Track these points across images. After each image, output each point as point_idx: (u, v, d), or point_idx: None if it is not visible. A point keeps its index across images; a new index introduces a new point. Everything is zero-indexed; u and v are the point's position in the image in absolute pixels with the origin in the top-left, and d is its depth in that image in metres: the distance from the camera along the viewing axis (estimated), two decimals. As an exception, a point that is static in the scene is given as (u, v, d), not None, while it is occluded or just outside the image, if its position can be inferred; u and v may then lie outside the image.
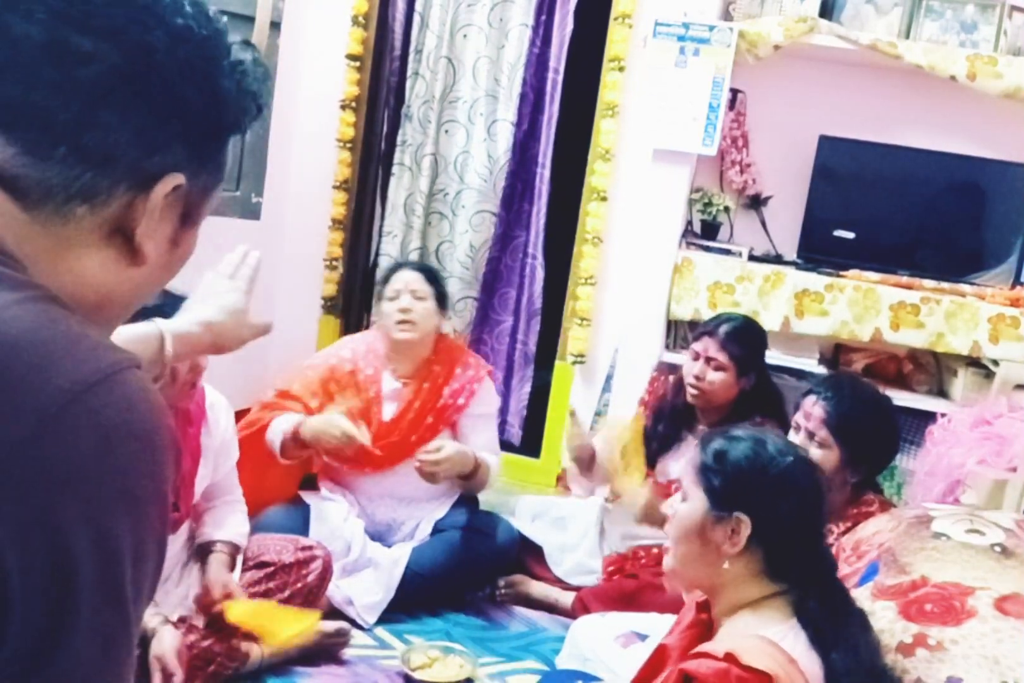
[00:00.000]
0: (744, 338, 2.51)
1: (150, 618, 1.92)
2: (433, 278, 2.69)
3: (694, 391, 2.52)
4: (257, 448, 2.53)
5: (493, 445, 2.73)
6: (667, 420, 2.64)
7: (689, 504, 1.42)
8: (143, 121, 0.68)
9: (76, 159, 0.67)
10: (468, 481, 2.64)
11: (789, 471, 1.39)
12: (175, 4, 0.69)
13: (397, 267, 2.72)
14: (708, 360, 2.48)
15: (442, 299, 2.68)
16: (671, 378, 2.73)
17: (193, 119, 0.71)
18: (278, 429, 2.54)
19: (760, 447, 1.41)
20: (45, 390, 0.60)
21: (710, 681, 1.25)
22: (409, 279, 2.62)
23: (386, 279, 2.68)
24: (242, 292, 1.28)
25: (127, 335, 1.15)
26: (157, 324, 1.20)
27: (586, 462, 2.65)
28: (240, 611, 2.00)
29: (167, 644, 1.89)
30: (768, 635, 1.30)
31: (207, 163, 0.75)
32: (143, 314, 1.86)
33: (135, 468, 0.64)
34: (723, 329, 2.50)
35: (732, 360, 2.47)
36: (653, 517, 2.37)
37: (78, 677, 0.62)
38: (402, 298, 2.59)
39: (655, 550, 2.51)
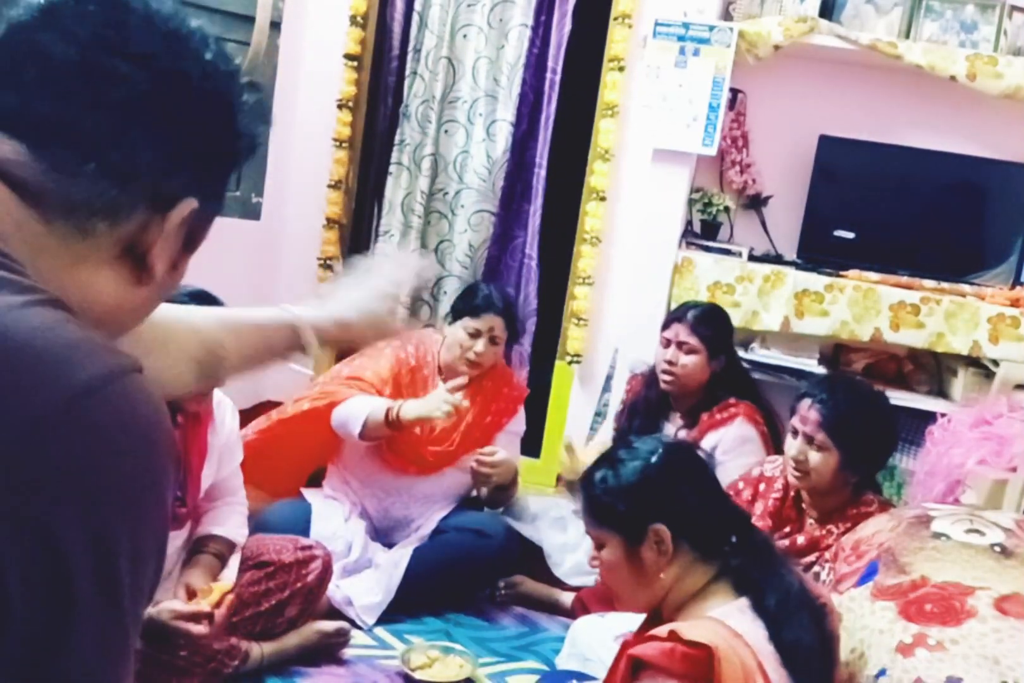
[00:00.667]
0: (712, 320, 2.58)
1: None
2: (514, 321, 2.70)
3: (668, 377, 2.56)
4: (321, 420, 2.59)
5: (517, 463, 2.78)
6: (643, 414, 2.68)
7: (608, 549, 1.45)
8: (168, 144, 0.71)
9: (102, 176, 0.69)
10: (502, 492, 2.68)
11: (669, 463, 1.45)
12: (203, 41, 0.74)
13: (487, 306, 2.63)
14: (680, 345, 2.54)
15: (513, 336, 2.73)
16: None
17: (211, 148, 0.75)
18: (362, 408, 2.52)
19: (632, 457, 1.45)
20: (46, 395, 0.60)
21: (656, 660, 1.27)
22: (495, 325, 2.62)
23: (473, 311, 2.63)
24: (390, 299, 1.22)
25: (254, 319, 1.13)
26: (293, 313, 1.14)
27: None
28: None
29: (173, 602, 1.91)
30: (714, 615, 1.34)
31: (214, 190, 0.78)
32: None
33: (135, 474, 0.64)
34: (691, 314, 2.57)
35: (703, 342, 2.53)
36: None
37: (76, 679, 0.62)
38: (480, 342, 2.61)
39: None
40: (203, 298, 1.91)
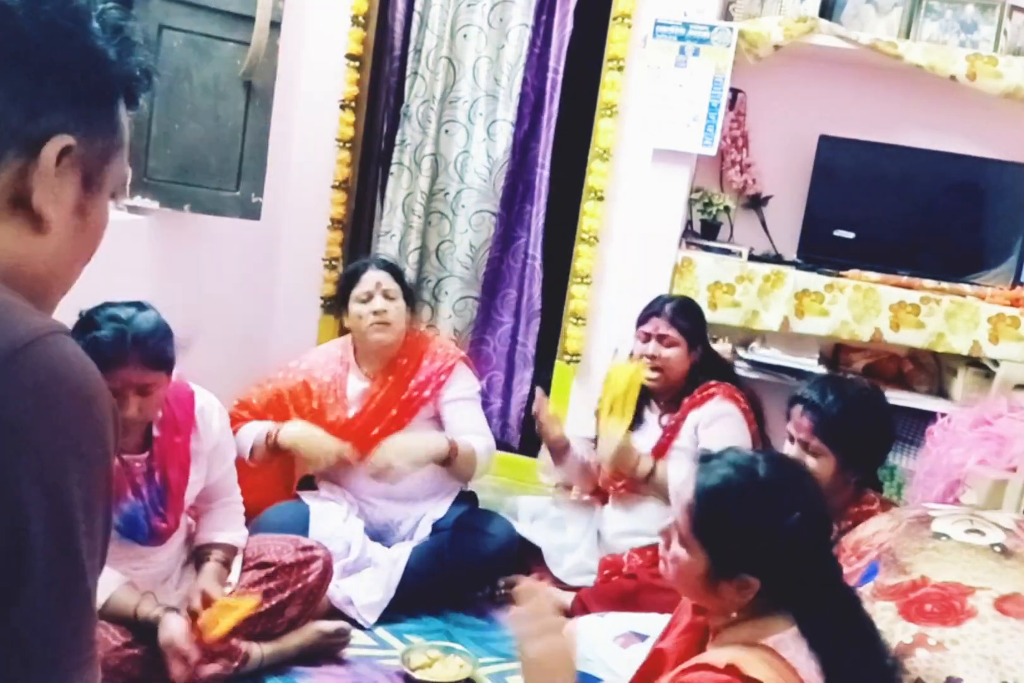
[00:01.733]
0: (689, 312, 2.63)
1: (152, 608, 1.91)
2: (400, 276, 2.69)
3: (653, 374, 2.58)
4: None
5: (479, 427, 2.68)
6: None
7: (691, 558, 1.34)
8: (15, 85, 0.69)
9: None
10: (449, 466, 2.57)
11: (800, 530, 1.28)
12: None
13: (363, 267, 2.66)
14: (660, 338, 2.57)
15: (410, 296, 2.69)
16: None
17: (71, 80, 0.71)
18: (248, 435, 2.55)
19: (765, 503, 1.29)
20: None
21: None
22: (380, 279, 2.61)
23: (353, 280, 2.64)
24: None
25: None
26: None
27: (560, 452, 2.69)
28: (214, 627, 1.96)
29: (174, 628, 1.88)
30: (767, 643, 1.28)
31: (99, 126, 0.75)
32: (79, 328, 1.80)
33: (77, 424, 0.66)
34: (668, 307, 2.60)
35: (682, 334, 2.57)
36: (624, 460, 2.50)
37: (37, 627, 0.63)
38: (375, 299, 2.59)
39: (649, 552, 2.51)
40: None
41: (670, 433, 2.58)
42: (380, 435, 2.56)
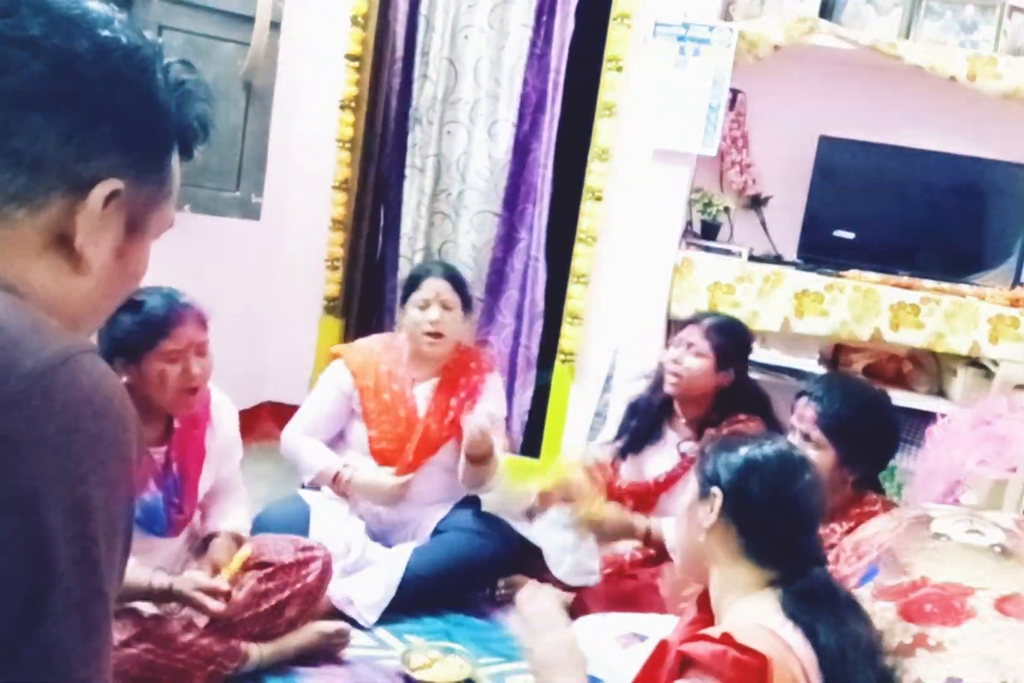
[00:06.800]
0: (727, 331, 2.54)
1: (165, 578, 1.91)
2: (461, 285, 2.67)
3: (672, 379, 2.52)
4: None
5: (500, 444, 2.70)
6: (643, 415, 2.64)
7: (688, 489, 1.54)
8: (71, 126, 0.70)
9: (8, 163, 0.69)
10: (478, 466, 2.59)
11: (762, 454, 1.45)
12: (102, 18, 0.72)
13: (425, 273, 2.65)
14: (689, 345, 2.51)
15: (468, 304, 2.69)
16: (645, 384, 2.74)
17: (127, 126, 0.73)
18: (313, 463, 2.61)
19: (753, 440, 1.49)
20: (11, 372, 0.62)
21: (707, 662, 1.24)
22: (440, 289, 2.60)
23: (414, 284, 2.63)
24: None
25: None
26: None
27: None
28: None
29: (193, 574, 1.91)
30: (766, 624, 1.30)
31: (149, 172, 0.76)
32: (126, 312, 1.91)
33: (103, 445, 0.66)
34: (708, 320, 2.55)
35: (712, 349, 2.48)
36: (618, 538, 2.49)
37: (59, 648, 0.63)
38: (431, 309, 2.58)
39: (652, 550, 2.51)
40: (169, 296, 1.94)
41: (687, 465, 2.48)
42: (441, 441, 2.65)
